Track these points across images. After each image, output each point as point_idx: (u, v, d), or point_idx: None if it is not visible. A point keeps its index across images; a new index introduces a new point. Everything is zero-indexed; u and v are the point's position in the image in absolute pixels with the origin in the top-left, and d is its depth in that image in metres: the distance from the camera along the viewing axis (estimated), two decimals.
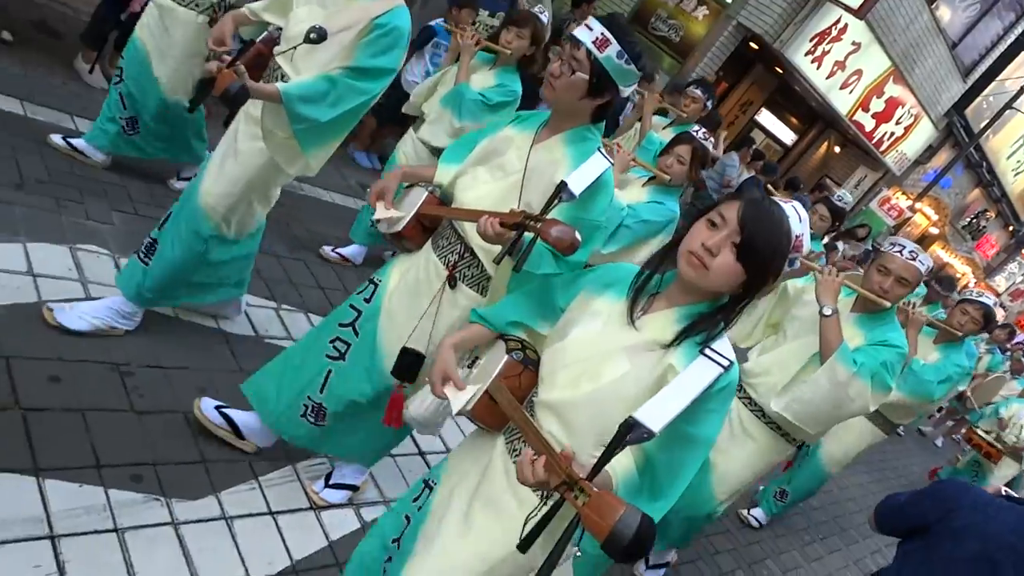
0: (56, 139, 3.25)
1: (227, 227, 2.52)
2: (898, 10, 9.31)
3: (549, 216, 1.73)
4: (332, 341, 2.22)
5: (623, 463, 1.35)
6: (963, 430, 6.51)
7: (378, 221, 2.09)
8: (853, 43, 9.32)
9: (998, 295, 20.96)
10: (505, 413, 1.47)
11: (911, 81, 10.75)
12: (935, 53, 10.75)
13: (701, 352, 1.33)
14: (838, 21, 8.83)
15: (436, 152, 3.44)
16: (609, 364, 1.40)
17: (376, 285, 2.20)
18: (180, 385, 2.49)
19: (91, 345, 2.41)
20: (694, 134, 3.34)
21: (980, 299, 3.97)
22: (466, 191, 2.01)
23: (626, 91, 1.86)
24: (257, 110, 2.30)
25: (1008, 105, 12.79)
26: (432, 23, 5.21)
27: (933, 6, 9.82)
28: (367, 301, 2.20)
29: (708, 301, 1.42)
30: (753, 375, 2.85)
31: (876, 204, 12.92)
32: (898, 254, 2.65)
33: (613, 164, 1.96)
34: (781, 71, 10.38)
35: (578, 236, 1.67)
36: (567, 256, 1.73)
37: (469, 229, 1.93)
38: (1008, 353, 9.06)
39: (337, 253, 3.96)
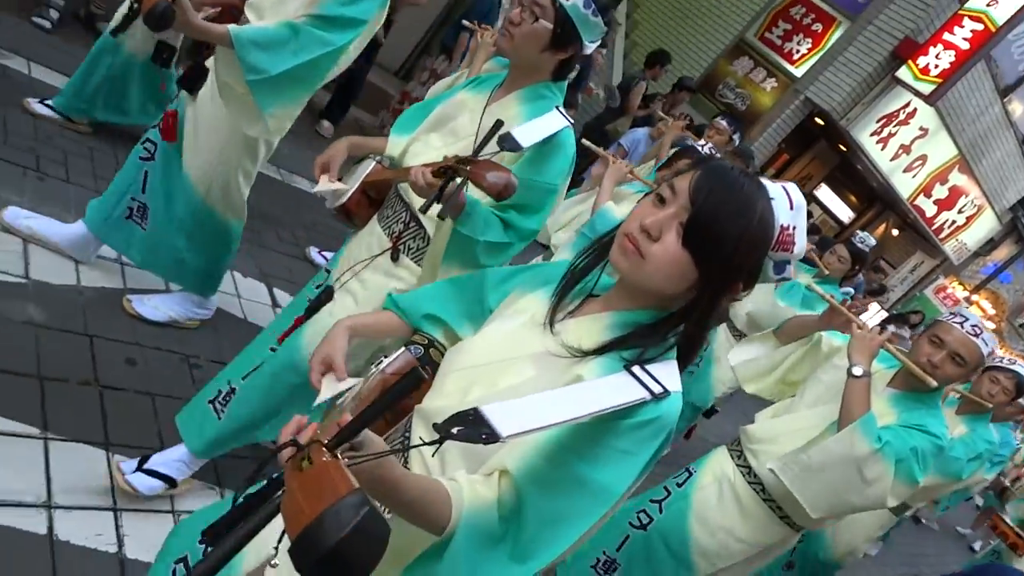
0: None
1: (214, 201, 2.39)
2: (969, 100, 9.29)
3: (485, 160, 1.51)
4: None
5: (480, 494, 0.95)
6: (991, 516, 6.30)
7: (321, 195, 1.92)
8: (920, 128, 9.31)
9: None
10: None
11: (977, 171, 10.64)
12: (1004, 146, 10.64)
13: (626, 368, 1.00)
14: (907, 105, 8.85)
15: None
16: (510, 371, 1.08)
17: (329, 273, 2.03)
18: None
19: (166, 334, 2.53)
20: (698, 147, 3.04)
21: (1012, 367, 3.48)
22: (416, 158, 1.81)
23: (589, 47, 1.74)
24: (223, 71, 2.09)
25: None
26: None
27: (1006, 99, 9.77)
28: (318, 288, 1.99)
29: (653, 308, 1.07)
30: (756, 440, 2.38)
31: (931, 292, 12.70)
32: (957, 326, 2.19)
33: (572, 124, 1.77)
34: (844, 148, 10.38)
35: (514, 181, 1.46)
36: (501, 201, 1.48)
37: (415, 195, 1.70)
38: None
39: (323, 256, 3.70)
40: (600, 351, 1.03)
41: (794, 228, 1.13)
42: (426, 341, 1.29)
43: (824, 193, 12.41)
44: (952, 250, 12.08)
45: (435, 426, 0.79)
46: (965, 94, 9.08)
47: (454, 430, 0.78)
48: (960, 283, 13.22)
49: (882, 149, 9.25)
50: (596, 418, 0.93)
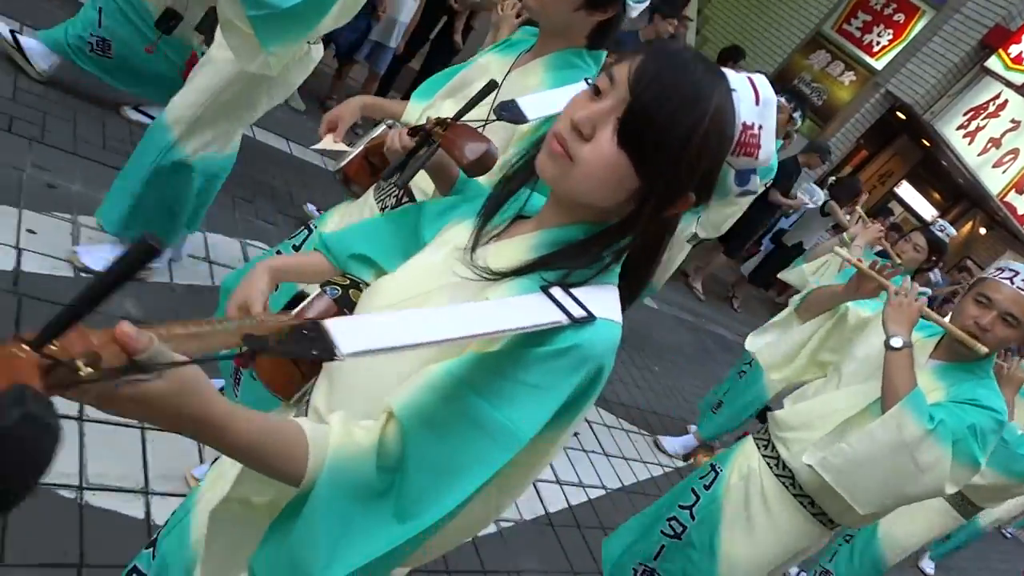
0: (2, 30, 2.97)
1: (185, 145, 2.30)
2: None
3: (468, 126, 1.26)
4: None
5: (355, 439, 0.80)
6: None
7: (323, 152, 1.82)
8: (1012, 121, 8.83)
9: None
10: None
11: None
12: None
13: (543, 290, 0.83)
14: (997, 96, 8.41)
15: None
16: (425, 306, 0.92)
17: (311, 231, 1.93)
18: None
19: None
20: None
21: None
22: None
23: (634, 8, 1.50)
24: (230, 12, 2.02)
25: None
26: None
27: None
28: (296, 249, 1.93)
29: (588, 223, 0.88)
30: (786, 427, 2.09)
31: None
32: (1006, 281, 1.89)
33: None
34: (928, 144, 9.96)
35: (494, 155, 1.20)
36: (472, 176, 1.23)
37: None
38: None
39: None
40: (518, 272, 0.86)
41: (760, 128, 0.92)
42: (347, 282, 1.14)
43: (906, 190, 11.93)
44: None
45: (247, 338, 0.67)
46: None
47: (284, 347, 0.63)
48: None
49: (969, 143, 8.82)
50: (502, 347, 0.80)
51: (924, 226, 4.03)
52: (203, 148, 2.33)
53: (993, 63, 7.86)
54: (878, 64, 8.55)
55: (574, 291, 0.83)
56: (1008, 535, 7.32)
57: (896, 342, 1.87)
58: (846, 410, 1.97)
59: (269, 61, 2.05)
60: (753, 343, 2.47)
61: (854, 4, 8.90)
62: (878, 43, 8.62)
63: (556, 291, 0.83)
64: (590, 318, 0.80)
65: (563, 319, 0.79)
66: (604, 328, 0.82)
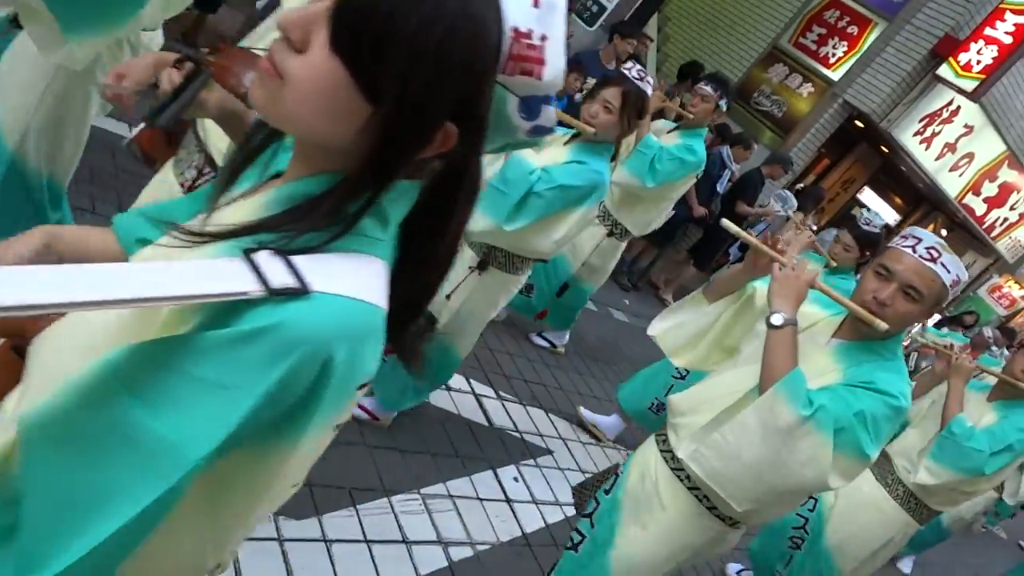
0: None
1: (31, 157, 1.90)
2: (1016, 94, 9.04)
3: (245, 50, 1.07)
4: None
5: None
6: None
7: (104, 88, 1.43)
8: (965, 126, 9.08)
9: None
10: None
11: None
12: None
13: (245, 253, 0.62)
14: (950, 103, 8.65)
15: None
16: None
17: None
18: None
19: None
20: (626, 73, 2.61)
21: None
22: None
23: None
24: None
25: None
26: None
27: None
28: None
29: (329, 172, 0.68)
30: (677, 412, 1.92)
31: (985, 291, 12.32)
32: (908, 250, 1.71)
33: None
34: (886, 150, 10.18)
35: None
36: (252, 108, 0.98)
37: (212, 129, 1.35)
38: None
39: None
40: (231, 235, 0.65)
41: (543, 39, 0.68)
42: None
43: (868, 196, 12.16)
44: (1005, 248, 11.71)
45: None
46: (1011, 89, 8.84)
47: None
48: (1016, 281, 12.80)
49: (926, 149, 9.04)
50: (168, 331, 0.60)
51: (850, 223, 3.83)
52: (52, 163, 1.96)
53: (944, 71, 8.08)
54: (834, 75, 8.76)
55: (296, 258, 0.62)
56: (983, 530, 7.43)
57: (776, 319, 1.69)
58: (730, 395, 1.80)
59: (75, 54, 1.64)
60: (655, 327, 2.17)
61: (809, 18, 9.12)
62: (834, 55, 8.83)
63: (263, 256, 0.62)
64: (300, 291, 0.60)
65: (256, 289, 0.58)
66: (326, 305, 0.61)
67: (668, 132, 4.14)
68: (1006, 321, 13.01)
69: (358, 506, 2.46)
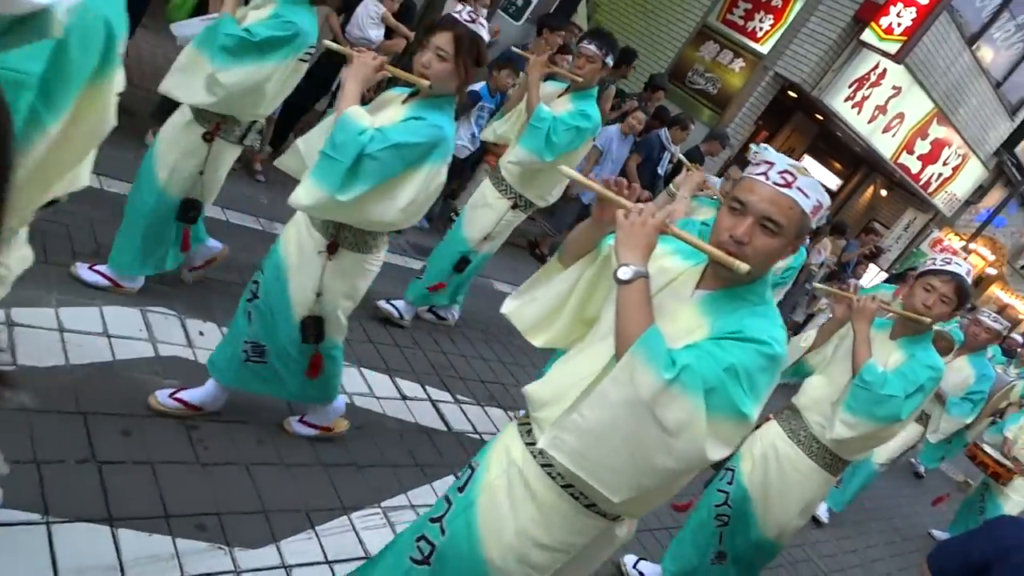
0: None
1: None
2: (938, 53, 9.30)
3: None
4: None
5: None
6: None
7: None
8: (893, 87, 9.32)
9: None
10: None
11: (956, 122, 10.64)
12: (979, 93, 10.65)
13: None
14: (876, 66, 8.86)
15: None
16: None
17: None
18: (241, 438, 2.60)
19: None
20: (456, 16, 2.39)
21: (948, 267, 2.77)
22: None
23: None
24: None
25: None
26: (475, 87, 5.44)
27: (974, 47, 9.78)
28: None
29: None
30: (539, 404, 1.68)
31: (927, 246, 12.68)
32: (760, 178, 1.51)
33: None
34: (822, 118, 10.40)
35: None
36: None
37: None
38: None
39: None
40: None
41: None
42: None
43: (809, 164, 12.41)
44: (943, 203, 12.07)
45: None
46: (933, 48, 9.10)
47: None
48: (956, 234, 13.20)
49: (858, 113, 9.26)
50: None
51: (742, 161, 3.71)
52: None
53: (868, 36, 8.27)
54: (763, 49, 8.91)
55: None
56: (921, 474, 7.57)
57: (625, 272, 1.45)
58: (593, 374, 1.55)
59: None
60: (508, 305, 1.87)
61: None
62: (761, 29, 8.98)
63: None
64: None
65: None
66: None
67: (559, 96, 3.96)
68: None
69: (317, 527, 2.43)
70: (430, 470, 3.03)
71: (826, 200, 1.55)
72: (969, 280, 2.77)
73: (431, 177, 2.30)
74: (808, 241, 6.37)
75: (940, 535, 6.00)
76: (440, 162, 2.32)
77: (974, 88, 10.47)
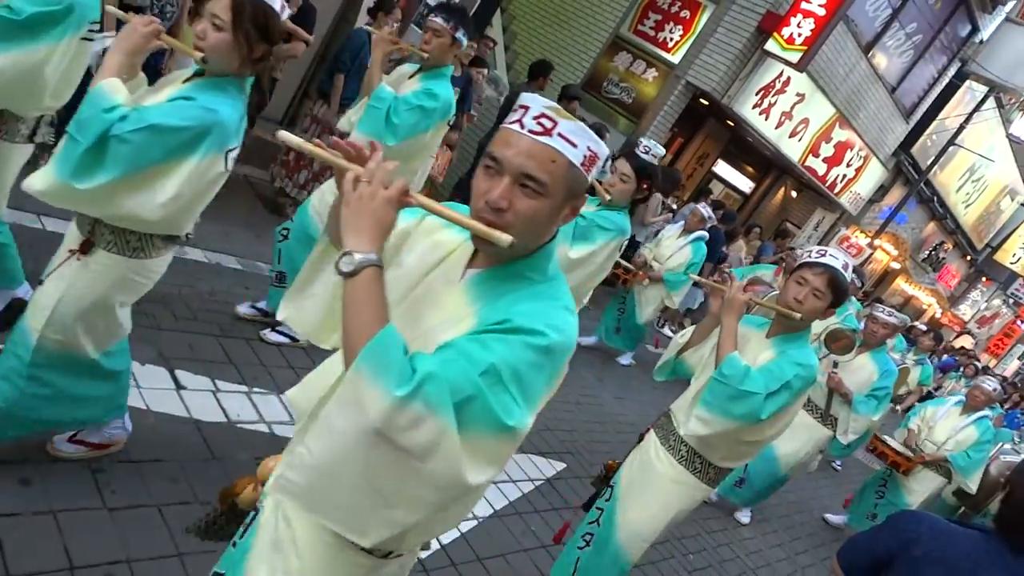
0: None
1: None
2: (837, 61, 9.79)
3: None
4: None
5: None
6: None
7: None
8: (797, 94, 9.75)
9: (964, 324, 21.44)
10: None
11: (856, 125, 11.22)
12: (876, 98, 11.26)
13: None
14: (781, 74, 9.26)
15: None
16: None
17: None
18: (152, 478, 2.49)
19: None
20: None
21: (822, 259, 2.53)
22: None
23: None
24: None
25: (950, 142, 13.37)
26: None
27: (869, 55, 10.34)
28: None
29: None
30: (302, 415, 1.46)
31: (835, 244, 13.29)
32: (515, 127, 1.22)
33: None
34: (733, 124, 10.79)
35: None
36: None
37: None
38: (959, 371, 8.55)
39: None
40: None
41: None
42: None
43: (722, 168, 12.85)
44: (848, 202, 12.69)
45: None
46: (832, 56, 9.57)
47: None
48: (862, 231, 13.90)
49: (766, 119, 9.65)
50: None
51: (628, 152, 3.34)
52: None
53: (771, 45, 8.64)
54: (674, 58, 9.18)
55: None
56: (837, 468, 7.72)
57: (346, 263, 1.12)
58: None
59: None
60: (285, 309, 1.54)
61: (644, 5, 9.51)
62: (671, 39, 9.25)
63: None
64: None
65: None
66: None
67: (410, 77, 3.60)
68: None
69: None
70: None
71: (602, 149, 1.26)
72: (847, 273, 2.52)
73: (203, 169, 1.92)
74: (708, 237, 6.57)
75: (835, 520, 6.11)
76: (215, 151, 1.93)
77: (872, 93, 11.07)
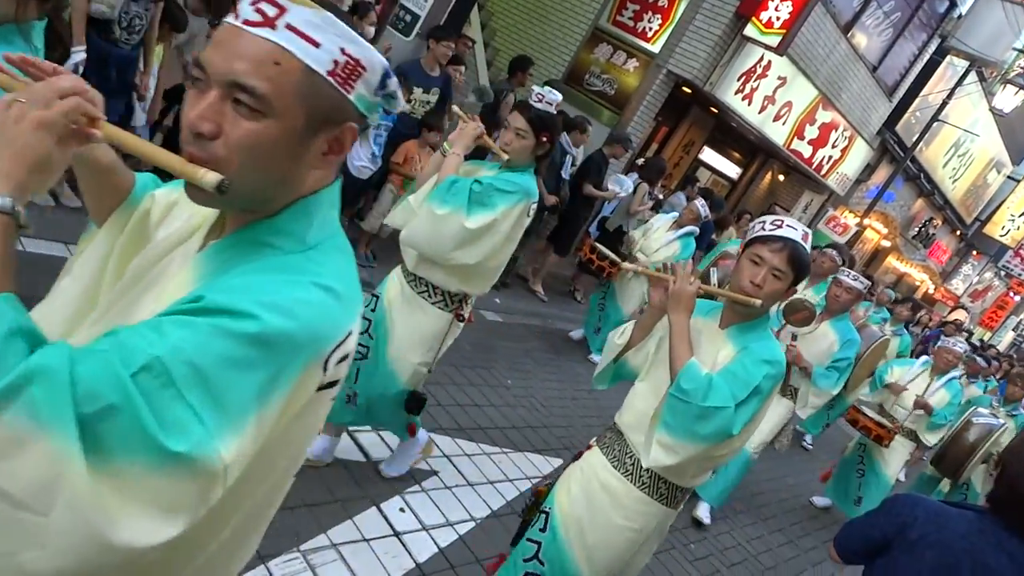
0: None
1: None
2: (816, 42, 9.79)
3: None
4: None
5: None
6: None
7: None
8: (779, 77, 9.74)
9: (958, 299, 21.51)
10: None
11: (840, 106, 11.23)
12: (858, 77, 11.27)
13: None
14: (761, 59, 9.25)
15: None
16: None
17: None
18: None
19: None
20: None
21: (778, 231, 2.10)
22: None
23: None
24: None
25: (934, 118, 13.38)
26: None
27: (849, 35, 10.34)
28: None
29: None
30: None
31: (823, 224, 13.33)
32: (230, 18, 0.88)
33: None
34: (716, 111, 10.78)
35: None
36: None
37: None
38: (938, 338, 7.81)
39: None
40: None
41: None
42: None
43: (708, 155, 12.85)
44: (835, 183, 12.70)
45: None
46: (811, 38, 9.57)
47: None
48: (850, 211, 13.92)
49: (749, 105, 9.64)
50: None
51: (520, 103, 2.84)
52: None
53: (750, 30, 8.63)
54: (654, 48, 9.16)
55: None
56: (808, 446, 7.49)
57: None
58: None
59: None
60: (41, 309, 1.18)
61: None
62: (650, 29, 9.23)
63: None
64: None
65: None
66: None
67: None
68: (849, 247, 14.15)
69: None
70: (351, 505, 2.95)
71: (369, 55, 0.90)
72: (807, 245, 2.11)
73: None
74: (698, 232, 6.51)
75: (821, 502, 5.96)
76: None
77: (853, 73, 11.07)
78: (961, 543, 1.82)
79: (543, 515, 2.29)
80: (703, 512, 4.54)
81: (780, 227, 2.11)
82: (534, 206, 2.81)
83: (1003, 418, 5.51)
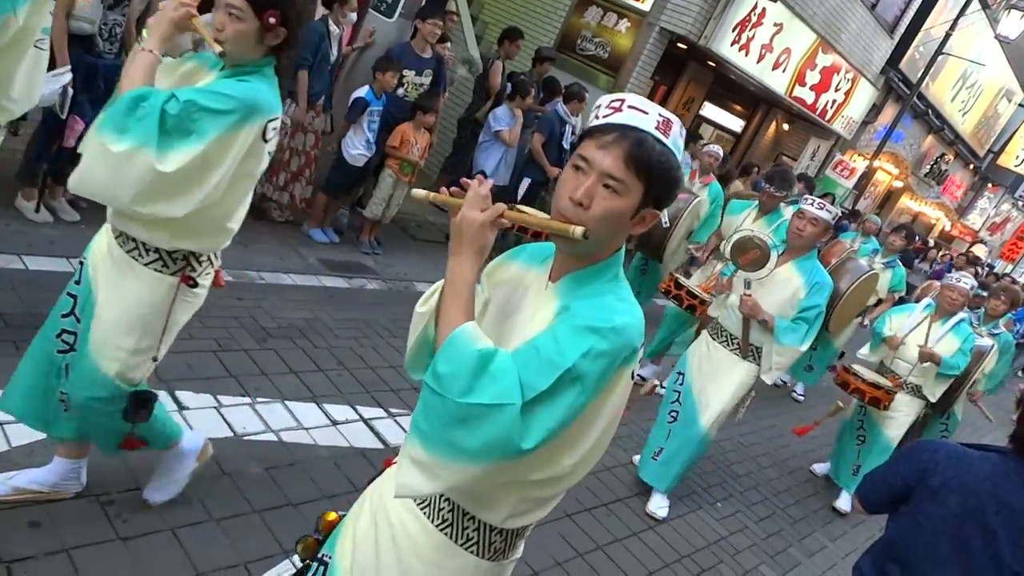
0: None
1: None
2: None
3: None
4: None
5: None
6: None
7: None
8: (775, 24, 9.53)
9: (975, 233, 21.20)
10: None
11: (840, 48, 10.99)
12: (857, 17, 11.01)
13: None
14: (755, 7, 9.04)
15: None
16: None
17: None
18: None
19: None
20: None
21: (612, 118, 1.24)
22: None
23: None
24: None
25: (938, 51, 13.08)
26: (360, 94, 5.32)
27: None
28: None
29: None
30: None
31: (830, 170, 13.14)
32: None
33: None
34: (714, 65, 10.58)
35: None
36: None
37: None
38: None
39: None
40: None
41: None
42: None
43: (710, 111, 12.65)
44: (841, 127, 12.48)
45: None
46: None
47: None
48: (859, 154, 13.70)
49: (746, 55, 9.45)
50: None
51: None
52: None
53: None
54: (644, 6, 8.98)
55: None
56: (800, 397, 6.91)
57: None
58: None
59: None
60: None
61: None
62: None
63: None
64: None
65: None
66: None
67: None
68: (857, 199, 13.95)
69: None
70: None
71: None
72: (671, 138, 1.28)
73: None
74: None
75: (821, 468, 5.35)
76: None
77: (851, 13, 10.82)
78: (984, 485, 1.79)
79: (321, 567, 1.53)
80: (655, 505, 3.81)
81: (619, 110, 1.28)
82: (274, 124, 2.02)
83: (986, 337, 4.99)
